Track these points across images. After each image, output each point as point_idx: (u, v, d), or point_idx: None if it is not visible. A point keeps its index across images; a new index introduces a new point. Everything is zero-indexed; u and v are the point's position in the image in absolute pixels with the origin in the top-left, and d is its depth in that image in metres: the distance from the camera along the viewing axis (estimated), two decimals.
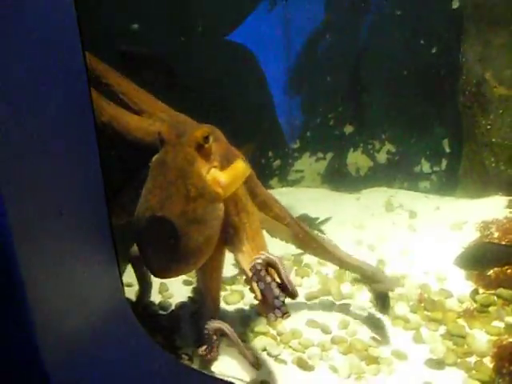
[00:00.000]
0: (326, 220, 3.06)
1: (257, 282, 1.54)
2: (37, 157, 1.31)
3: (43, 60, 1.30)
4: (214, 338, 1.77)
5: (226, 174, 1.60)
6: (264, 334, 2.02)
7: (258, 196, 1.86)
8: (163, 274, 1.66)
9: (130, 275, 2.15)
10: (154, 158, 1.63)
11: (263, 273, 1.53)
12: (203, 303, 1.87)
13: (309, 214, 2.98)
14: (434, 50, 3.45)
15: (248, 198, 1.76)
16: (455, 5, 3.31)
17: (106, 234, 1.63)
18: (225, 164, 1.65)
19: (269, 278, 1.52)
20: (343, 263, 2.06)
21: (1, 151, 1.18)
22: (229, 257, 2.63)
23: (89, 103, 1.47)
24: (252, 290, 1.59)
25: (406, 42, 3.49)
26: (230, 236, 1.70)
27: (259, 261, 1.53)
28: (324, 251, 2.01)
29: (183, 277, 2.42)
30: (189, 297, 2.25)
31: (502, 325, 2.02)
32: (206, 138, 1.59)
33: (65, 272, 1.48)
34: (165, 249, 1.56)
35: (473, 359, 1.85)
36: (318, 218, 3.03)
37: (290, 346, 1.95)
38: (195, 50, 3.16)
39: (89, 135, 1.48)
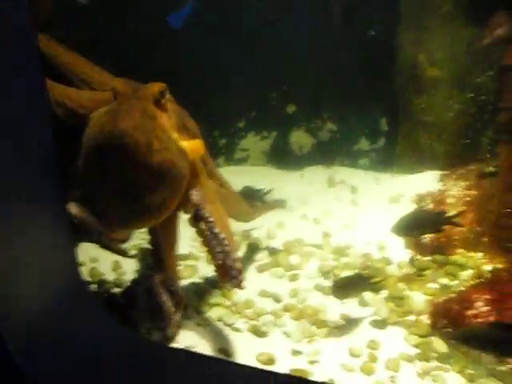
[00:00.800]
0: (269, 191, 3.10)
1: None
2: None
3: None
4: None
5: (188, 143, 1.65)
6: (219, 305, 2.10)
7: (208, 165, 1.93)
8: (122, 225, 1.67)
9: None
10: (102, 109, 1.61)
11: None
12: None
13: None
14: (372, 33, 3.59)
15: (203, 168, 1.82)
16: None
17: (60, 211, 1.64)
18: (181, 126, 1.69)
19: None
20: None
21: None
22: (183, 232, 2.69)
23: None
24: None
25: (344, 24, 3.62)
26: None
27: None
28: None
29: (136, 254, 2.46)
30: (142, 273, 2.29)
31: (436, 286, 2.21)
32: (162, 93, 1.60)
33: (20, 254, 1.49)
34: (128, 201, 1.56)
35: (412, 317, 2.02)
36: (261, 189, 3.08)
37: (245, 316, 2.05)
38: None
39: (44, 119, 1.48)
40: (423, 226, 2.31)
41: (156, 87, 1.59)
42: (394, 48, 3.50)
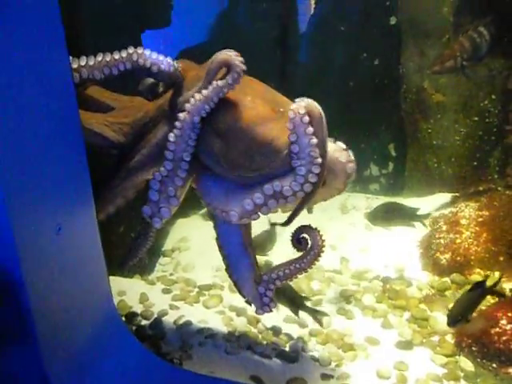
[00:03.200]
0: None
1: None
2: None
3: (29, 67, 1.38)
4: None
5: None
6: (246, 332, 2.15)
7: None
8: None
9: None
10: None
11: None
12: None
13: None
14: (376, 62, 3.72)
15: None
16: (393, 21, 3.60)
17: (97, 247, 1.71)
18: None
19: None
20: None
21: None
22: (205, 263, 2.76)
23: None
24: None
25: (350, 54, 3.76)
26: None
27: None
28: None
29: (162, 286, 2.52)
30: (169, 304, 2.34)
31: None
32: None
33: (63, 285, 1.56)
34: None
35: (436, 338, 2.06)
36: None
37: (273, 342, 2.09)
38: None
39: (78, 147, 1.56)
40: (395, 216, 2.56)
41: None
42: (398, 76, 3.62)
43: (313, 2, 3.82)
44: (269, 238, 2.84)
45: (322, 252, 1.73)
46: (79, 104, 1.56)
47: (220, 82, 1.53)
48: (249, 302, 1.84)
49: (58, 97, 1.48)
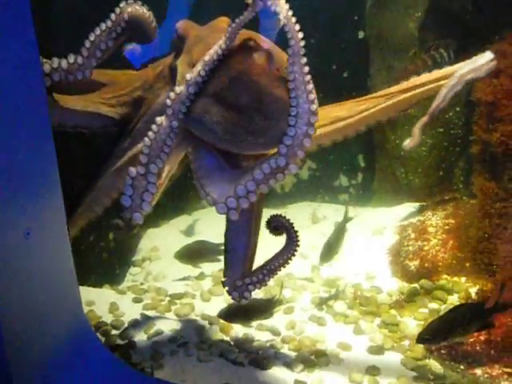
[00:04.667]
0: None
1: None
2: None
3: None
4: None
5: None
6: (219, 340, 2.14)
7: None
8: None
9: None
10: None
11: None
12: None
13: None
14: (345, 74, 3.79)
15: None
16: (361, 35, 3.69)
17: (67, 254, 1.68)
18: None
19: None
20: None
21: None
22: (176, 272, 2.74)
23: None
24: None
25: (320, 66, 3.82)
26: None
27: None
28: None
29: (132, 295, 2.48)
30: (140, 313, 2.31)
31: (426, 311, 2.30)
32: None
33: (30, 291, 1.52)
34: None
35: (407, 342, 2.10)
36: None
37: (245, 349, 2.09)
38: None
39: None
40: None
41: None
42: (366, 88, 3.70)
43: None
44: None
45: (299, 240, 1.72)
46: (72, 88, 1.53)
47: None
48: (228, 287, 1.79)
49: (27, 101, 1.46)
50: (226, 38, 1.47)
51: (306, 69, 1.43)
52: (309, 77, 1.44)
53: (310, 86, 1.44)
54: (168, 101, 1.49)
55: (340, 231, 2.94)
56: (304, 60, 1.43)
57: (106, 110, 1.77)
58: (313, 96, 1.44)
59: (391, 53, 3.52)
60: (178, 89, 1.48)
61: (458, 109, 3.38)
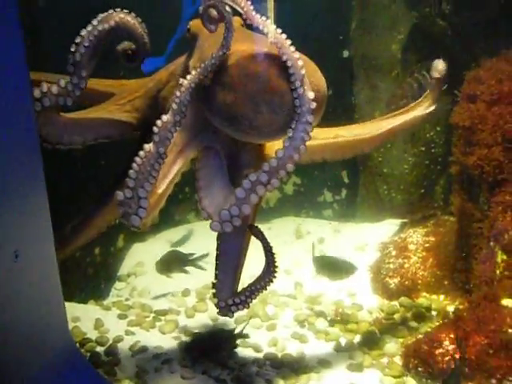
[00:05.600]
0: (204, 256, 2.86)
1: None
2: None
3: None
4: None
5: None
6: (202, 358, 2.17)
7: None
8: None
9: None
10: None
11: None
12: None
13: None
14: (329, 92, 3.87)
15: None
16: (345, 54, 3.78)
17: (55, 275, 1.71)
18: None
19: None
20: None
21: None
22: (161, 288, 2.77)
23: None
24: None
25: None
26: None
27: None
28: None
29: (117, 311, 2.51)
30: (125, 330, 2.34)
31: (405, 329, 2.36)
32: None
33: (18, 311, 1.55)
34: None
35: (386, 360, 2.15)
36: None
37: (228, 367, 2.12)
38: None
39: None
40: (175, 263, 2.76)
41: None
42: (350, 106, 3.79)
43: None
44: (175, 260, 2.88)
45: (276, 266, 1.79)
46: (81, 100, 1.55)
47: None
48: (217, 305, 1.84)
49: (15, 122, 1.49)
50: (220, 48, 1.52)
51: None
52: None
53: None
54: (155, 128, 1.54)
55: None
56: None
57: (122, 115, 1.80)
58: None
59: (375, 72, 3.61)
60: (164, 117, 1.53)
61: (438, 128, 3.48)
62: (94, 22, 1.62)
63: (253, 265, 1.93)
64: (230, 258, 1.85)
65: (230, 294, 1.81)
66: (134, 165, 1.53)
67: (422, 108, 2.29)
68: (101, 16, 1.63)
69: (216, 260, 1.84)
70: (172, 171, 1.69)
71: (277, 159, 1.52)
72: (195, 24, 1.75)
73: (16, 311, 1.52)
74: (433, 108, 2.29)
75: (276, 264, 1.79)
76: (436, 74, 2.29)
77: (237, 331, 2.27)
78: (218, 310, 1.83)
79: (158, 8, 2.98)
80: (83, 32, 1.61)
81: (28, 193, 1.53)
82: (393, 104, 3.03)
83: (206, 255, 2.85)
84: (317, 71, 1.66)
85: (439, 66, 2.29)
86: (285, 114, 1.52)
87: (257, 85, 1.51)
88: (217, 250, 1.83)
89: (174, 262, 2.82)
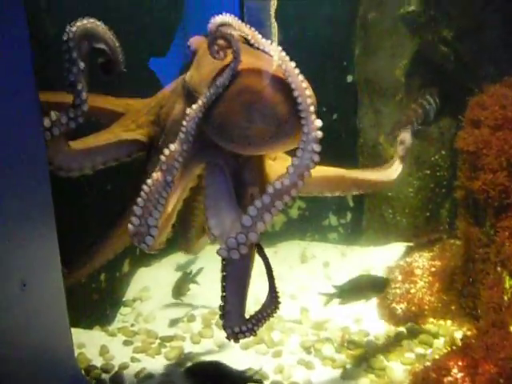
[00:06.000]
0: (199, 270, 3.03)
1: None
2: None
3: None
4: None
5: None
6: None
7: None
8: None
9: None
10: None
11: None
12: None
13: None
14: (334, 117, 3.91)
15: None
16: (349, 79, 3.82)
17: (62, 302, 1.71)
18: None
19: None
20: None
21: None
22: (167, 313, 2.76)
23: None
24: None
25: None
26: None
27: None
28: None
29: (123, 337, 2.50)
30: (131, 356, 2.33)
31: (413, 355, 2.33)
32: None
33: (25, 340, 1.55)
34: None
35: None
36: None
37: None
38: None
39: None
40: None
41: None
42: (355, 130, 3.82)
43: None
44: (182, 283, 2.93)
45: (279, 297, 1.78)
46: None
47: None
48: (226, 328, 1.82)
49: (26, 151, 1.51)
50: (226, 74, 1.55)
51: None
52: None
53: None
54: (162, 157, 1.56)
55: None
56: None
57: (128, 135, 1.83)
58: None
59: (379, 97, 3.64)
60: (172, 146, 1.55)
61: (443, 152, 3.49)
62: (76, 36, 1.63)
63: (257, 289, 1.92)
64: (236, 279, 1.84)
65: (238, 320, 1.80)
66: (142, 193, 1.55)
67: (387, 173, 2.36)
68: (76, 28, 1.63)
69: (222, 282, 1.83)
70: (180, 186, 1.71)
71: (281, 184, 1.53)
72: (195, 41, 1.80)
73: (23, 339, 1.52)
74: (394, 178, 2.36)
75: (277, 290, 1.79)
76: (401, 147, 2.41)
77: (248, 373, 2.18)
78: (225, 335, 1.81)
79: None
80: (73, 53, 1.63)
81: (36, 221, 1.55)
82: (397, 131, 3.06)
83: (201, 269, 3.00)
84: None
85: (406, 138, 2.36)
86: (276, 124, 1.53)
87: (250, 94, 1.54)
88: (222, 271, 1.82)
89: (185, 285, 2.88)
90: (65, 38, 1.62)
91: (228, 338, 1.81)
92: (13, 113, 1.44)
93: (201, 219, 2.07)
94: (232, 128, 1.55)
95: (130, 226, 1.54)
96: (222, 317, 1.80)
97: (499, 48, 2.87)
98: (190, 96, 1.72)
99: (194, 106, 1.56)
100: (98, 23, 1.69)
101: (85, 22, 1.65)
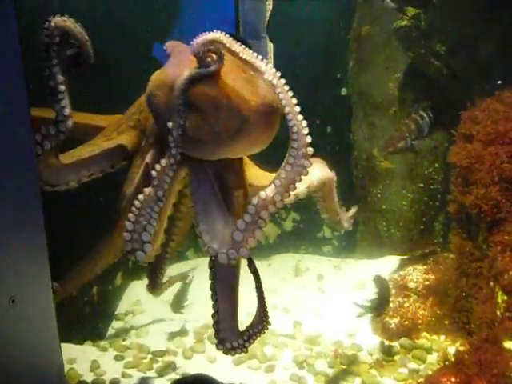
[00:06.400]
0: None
1: None
2: None
3: None
4: None
5: None
6: None
7: None
8: None
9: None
10: None
11: None
12: None
13: None
14: (328, 130, 3.92)
15: None
16: (343, 92, 3.84)
17: (51, 318, 1.69)
18: None
19: None
20: None
21: None
22: (159, 327, 2.73)
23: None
24: None
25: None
26: None
27: None
28: None
29: (114, 352, 2.48)
30: (122, 372, 2.30)
31: (406, 371, 2.32)
32: None
33: (14, 356, 1.53)
34: None
35: None
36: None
37: None
38: None
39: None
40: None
41: None
42: (349, 143, 3.83)
43: None
44: (181, 295, 2.94)
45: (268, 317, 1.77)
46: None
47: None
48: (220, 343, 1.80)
49: (16, 164, 1.50)
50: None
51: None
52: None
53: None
54: (153, 172, 1.55)
55: None
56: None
57: (110, 144, 1.83)
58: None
59: (373, 110, 3.66)
60: (163, 161, 1.55)
61: (436, 165, 3.51)
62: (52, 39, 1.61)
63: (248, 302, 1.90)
64: (226, 285, 1.82)
65: (231, 332, 1.78)
66: (134, 208, 1.54)
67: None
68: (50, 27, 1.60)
69: (212, 290, 1.81)
70: (169, 194, 1.70)
71: (266, 195, 1.53)
72: (170, 45, 1.79)
73: (11, 356, 1.49)
74: None
75: (266, 304, 1.78)
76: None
77: None
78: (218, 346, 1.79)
79: None
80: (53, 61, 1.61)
81: (27, 238, 1.53)
82: (391, 146, 3.07)
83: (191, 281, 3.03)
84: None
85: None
86: (241, 119, 1.55)
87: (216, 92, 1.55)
88: (211, 278, 1.80)
89: (183, 297, 2.91)
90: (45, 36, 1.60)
91: (221, 350, 1.79)
92: (3, 126, 1.44)
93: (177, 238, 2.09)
94: (202, 126, 1.57)
95: (124, 241, 1.54)
96: (216, 327, 1.78)
97: (491, 63, 2.89)
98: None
99: (175, 119, 1.55)
100: (65, 18, 1.64)
101: (57, 19, 1.62)
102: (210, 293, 1.80)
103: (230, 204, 1.70)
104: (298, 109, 1.52)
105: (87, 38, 1.69)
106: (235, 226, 1.54)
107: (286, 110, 1.51)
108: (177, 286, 2.89)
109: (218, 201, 1.69)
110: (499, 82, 2.66)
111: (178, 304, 2.90)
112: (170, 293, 3.10)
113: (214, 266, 1.79)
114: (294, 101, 1.52)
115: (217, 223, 1.64)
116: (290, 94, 1.53)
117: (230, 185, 1.77)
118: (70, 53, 1.72)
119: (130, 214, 1.56)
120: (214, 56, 1.56)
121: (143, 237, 1.56)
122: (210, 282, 1.80)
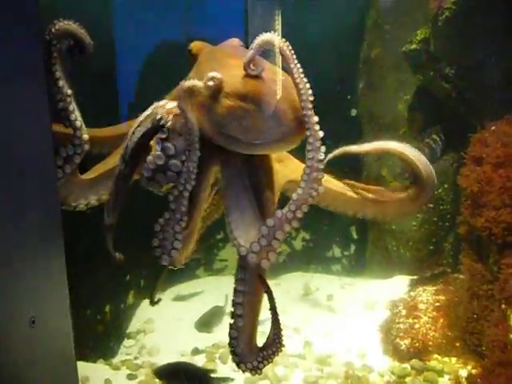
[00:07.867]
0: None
1: None
2: None
3: None
4: None
5: None
6: None
7: None
8: None
9: None
10: None
11: None
12: None
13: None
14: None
15: None
16: (353, 113, 3.88)
17: (69, 338, 1.71)
18: None
19: None
20: None
21: None
22: (171, 346, 2.75)
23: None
24: None
25: None
26: None
27: None
28: None
29: (126, 371, 2.50)
30: None
31: None
32: None
33: (31, 377, 1.56)
34: None
35: None
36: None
37: None
38: None
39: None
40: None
41: None
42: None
43: None
44: (216, 315, 2.98)
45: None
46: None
47: None
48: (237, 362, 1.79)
49: (37, 183, 1.54)
50: None
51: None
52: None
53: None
54: (170, 196, 1.58)
55: None
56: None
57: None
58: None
59: (382, 131, 3.69)
60: (181, 186, 1.58)
61: (446, 185, 3.52)
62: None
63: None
64: (253, 298, 1.77)
65: (249, 351, 1.75)
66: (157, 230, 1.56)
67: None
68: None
69: (235, 307, 1.78)
70: (201, 193, 1.66)
71: (297, 196, 1.51)
72: (195, 46, 1.78)
73: (28, 375, 1.52)
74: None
75: (280, 325, 1.76)
76: None
77: None
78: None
79: None
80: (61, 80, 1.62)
81: (46, 258, 1.57)
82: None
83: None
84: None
85: None
86: (274, 118, 1.49)
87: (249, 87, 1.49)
88: (238, 291, 1.66)
89: (214, 318, 2.96)
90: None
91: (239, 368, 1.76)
92: (26, 149, 1.48)
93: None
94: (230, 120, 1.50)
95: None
96: (232, 345, 1.75)
97: (500, 85, 2.92)
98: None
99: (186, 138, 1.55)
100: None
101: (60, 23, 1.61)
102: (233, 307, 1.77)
103: (262, 203, 1.64)
104: (317, 127, 1.52)
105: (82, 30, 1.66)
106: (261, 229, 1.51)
107: (308, 131, 1.51)
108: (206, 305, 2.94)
109: (251, 202, 1.63)
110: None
111: (208, 324, 2.94)
112: (180, 310, 3.15)
113: (243, 276, 1.76)
114: (317, 127, 1.52)
115: (251, 227, 1.57)
116: (316, 119, 1.53)
117: (263, 184, 1.70)
118: (67, 43, 1.66)
119: (155, 239, 1.57)
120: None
121: (172, 253, 1.54)
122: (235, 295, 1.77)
